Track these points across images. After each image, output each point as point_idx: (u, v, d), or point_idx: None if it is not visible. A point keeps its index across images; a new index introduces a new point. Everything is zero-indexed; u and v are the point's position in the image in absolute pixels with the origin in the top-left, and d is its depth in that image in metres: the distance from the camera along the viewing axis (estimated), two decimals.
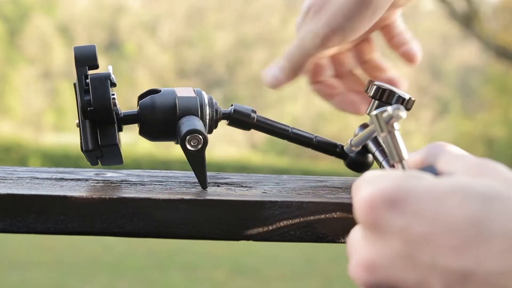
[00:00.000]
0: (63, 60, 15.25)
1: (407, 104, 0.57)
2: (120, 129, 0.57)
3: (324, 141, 0.62)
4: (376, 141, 0.58)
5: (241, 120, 0.61)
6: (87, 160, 0.55)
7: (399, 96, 0.57)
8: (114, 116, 0.54)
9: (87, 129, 0.54)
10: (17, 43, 14.98)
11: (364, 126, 0.60)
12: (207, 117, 0.58)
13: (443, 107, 12.77)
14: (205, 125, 0.57)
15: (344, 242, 0.51)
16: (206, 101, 0.58)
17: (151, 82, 15.14)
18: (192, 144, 0.54)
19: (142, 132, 0.57)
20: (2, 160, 10.40)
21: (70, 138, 13.90)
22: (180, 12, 16.21)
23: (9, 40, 14.85)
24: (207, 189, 0.56)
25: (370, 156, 0.61)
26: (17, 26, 15.03)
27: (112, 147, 0.54)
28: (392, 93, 0.57)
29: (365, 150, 0.60)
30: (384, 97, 0.57)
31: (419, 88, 12.37)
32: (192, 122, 0.54)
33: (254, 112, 0.61)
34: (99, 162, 0.56)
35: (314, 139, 0.61)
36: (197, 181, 0.58)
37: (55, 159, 10.85)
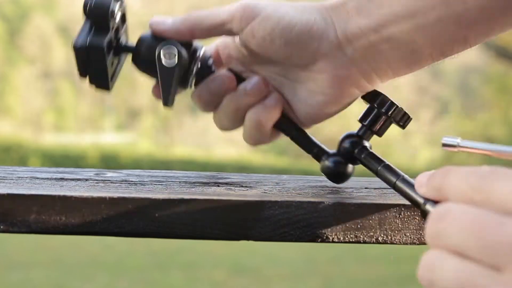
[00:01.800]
0: (63, 60, 15.25)
1: (399, 116, 0.55)
2: (117, 54, 0.57)
3: (305, 136, 0.58)
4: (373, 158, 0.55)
5: None
6: (77, 68, 0.56)
7: (392, 103, 0.54)
8: (110, 23, 0.54)
9: (84, 27, 0.55)
10: (17, 43, 14.98)
11: (349, 136, 0.57)
12: (194, 67, 0.57)
13: (443, 107, 12.78)
14: (189, 70, 0.56)
15: (344, 242, 0.51)
16: (201, 52, 0.57)
17: (151, 82, 15.11)
18: (166, 57, 0.54)
19: (134, 60, 0.58)
20: (2, 160, 10.40)
21: (70, 138, 13.90)
22: (180, 12, 16.22)
23: (9, 40, 14.85)
24: (170, 106, 0.56)
25: (350, 167, 0.57)
26: (17, 26, 15.03)
27: (98, 52, 0.54)
28: (385, 98, 0.55)
29: (345, 159, 0.57)
30: (377, 101, 0.55)
31: (419, 88, 12.38)
32: (171, 41, 0.55)
33: None
34: (88, 79, 0.56)
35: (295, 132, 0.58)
36: (197, 181, 0.58)
37: (55, 159, 10.85)
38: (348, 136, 0.57)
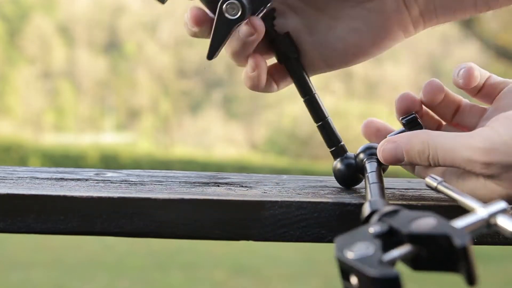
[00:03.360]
0: (63, 60, 15.25)
1: None
2: None
3: (330, 129, 0.59)
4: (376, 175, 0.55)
5: (286, 48, 0.58)
6: None
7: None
8: None
9: None
10: (17, 43, 14.98)
11: (370, 150, 0.57)
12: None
13: None
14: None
15: None
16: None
17: (151, 82, 15.14)
18: (229, 12, 0.53)
19: None
20: (2, 160, 10.40)
21: (70, 138, 13.90)
22: (180, 12, 16.20)
23: (9, 40, 14.85)
24: (211, 59, 0.55)
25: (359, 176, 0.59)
26: (17, 26, 15.02)
27: None
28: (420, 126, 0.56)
29: (359, 167, 0.57)
30: (411, 126, 0.57)
31: (419, 88, 12.35)
32: None
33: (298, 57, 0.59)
34: None
35: (323, 121, 0.58)
36: (197, 181, 0.58)
37: (55, 159, 10.85)
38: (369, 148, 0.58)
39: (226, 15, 0.53)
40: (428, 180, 0.49)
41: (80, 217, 0.49)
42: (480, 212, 0.41)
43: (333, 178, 0.62)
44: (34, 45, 15.00)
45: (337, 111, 13.32)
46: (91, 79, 15.07)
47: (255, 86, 0.57)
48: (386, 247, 0.39)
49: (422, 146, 0.50)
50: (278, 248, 5.17)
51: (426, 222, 0.39)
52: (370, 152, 0.57)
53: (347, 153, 0.59)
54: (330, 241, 0.51)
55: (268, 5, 0.55)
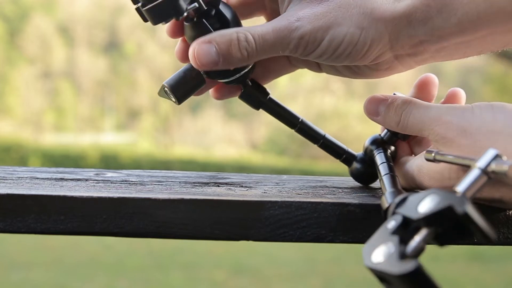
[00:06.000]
0: (63, 60, 15.25)
1: None
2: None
3: (331, 143, 0.60)
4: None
5: (255, 95, 0.58)
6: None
7: None
8: None
9: None
10: (17, 43, 14.98)
11: (375, 142, 0.58)
12: None
13: None
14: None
15: (344, 242, 0.51)
16: None
17: (151, 82, 15.13)
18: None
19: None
20: (2, 160, 10.41)
21: (70, 138, 13.91)
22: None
23: (9, 40, 14.85)
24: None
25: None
26: (17, 26, 15.03)
27: None
28: None
29: (371, 161, 0.59)
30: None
31: None
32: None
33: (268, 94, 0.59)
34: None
35: (322, 139, 0.60)
36: (197, 181, 0.58)
37: (55, 159, 10.85)
38: (374, 140, 0.59)
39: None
40: (426, 154, 0.50)
41: (80, 217, 0.49)
42: (475, 167, 0.41)
43: (333, 178, 0.62)
44: (34, 45, 15.00)
45: (337, 111, 13.32)
46: (91, 79, 15.07)
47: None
48: (407, 238, 0.39)
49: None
50: (278, 248, 5.18)
51: (430, 200, 0.39)
52: (376, 143, 0.58)
53: (357, 155, 0.60)
54: (330, 241, 0.51)
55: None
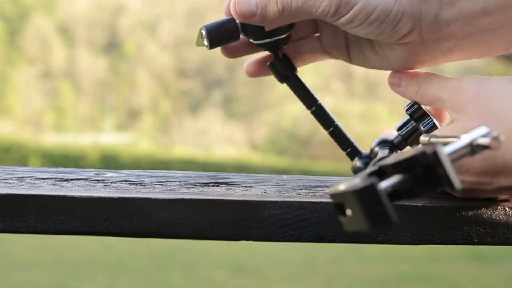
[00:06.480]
0: (63, 60, 15.25)
1: (432, 130, 0.56)
2: None
3: (341, 132, 0.61)
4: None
5: (283, 67, 0.60)
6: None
7: (431, 120, 0.57)
8: None
9: None
10: (17, 43, 14.99)
11: (383, 142, 0.58)
12: None
13: None
14: None
15: (344, 242, 0.51)
16: None
17: (151, 82, 15.12)
18: None
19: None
20: (2, 160, 10.41)
21: (70, 138, 13.92)
22: (180, 12, 16.20)
23: (9, 40, 14.86)
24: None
25: None
26: (17, 26, 15.04)
27: None
28: (425, 114, 0.57)
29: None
30: (417, 116, 0.57)
31: None
32: None
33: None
34: None
35: (333, 126, 0.60)
36: (197, 181, 0.58)
37: (55, 159, 10.86)
38: (383, 142, 0.59)
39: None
40: (422, 138, 0.51)
41: (80, 217, 0.49)
42: (464, 137, 0.41)
43: (333, 178, 0.62)
44: (34, 45, 15.01)
45: (337, 111, 13.31)
46: (91, 79, 15.07)
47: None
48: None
49: None
50: (278, 248, 5.18)
51: (411, 151, 0.39)
52: (384, 145, 0.58)
53: (362, 152, 0.60)
54: (330, 241, 0.51)
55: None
